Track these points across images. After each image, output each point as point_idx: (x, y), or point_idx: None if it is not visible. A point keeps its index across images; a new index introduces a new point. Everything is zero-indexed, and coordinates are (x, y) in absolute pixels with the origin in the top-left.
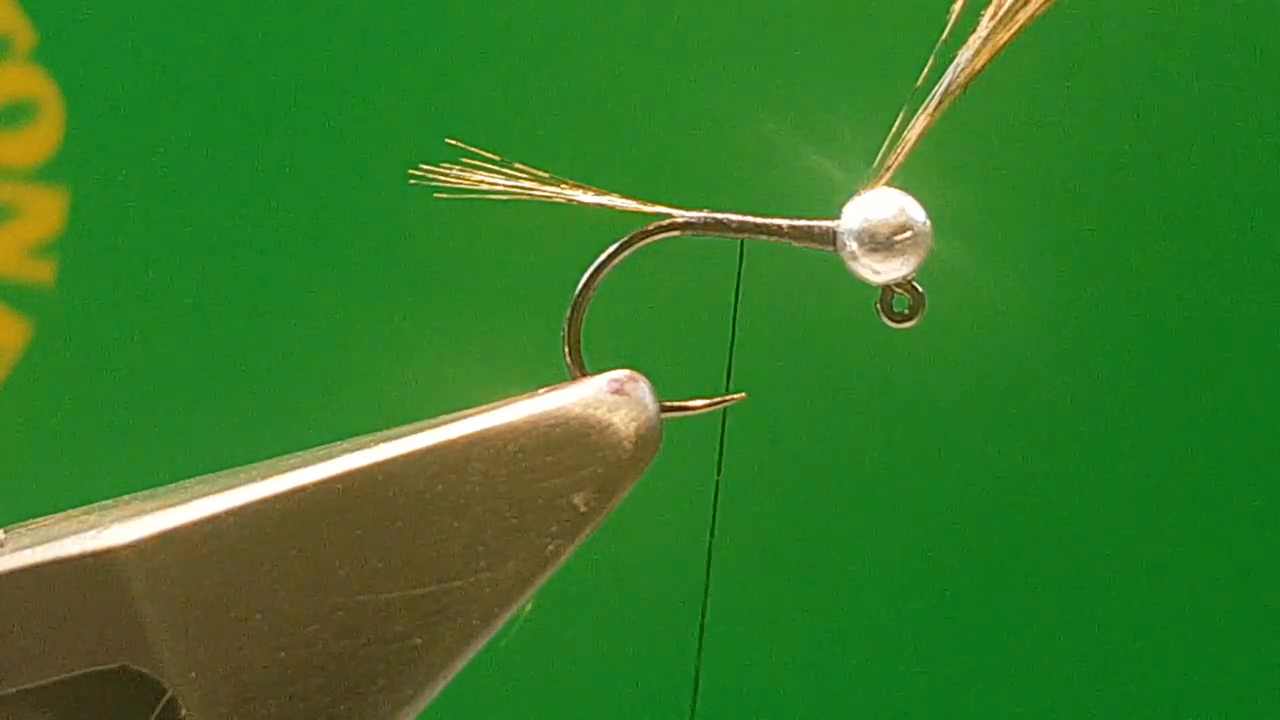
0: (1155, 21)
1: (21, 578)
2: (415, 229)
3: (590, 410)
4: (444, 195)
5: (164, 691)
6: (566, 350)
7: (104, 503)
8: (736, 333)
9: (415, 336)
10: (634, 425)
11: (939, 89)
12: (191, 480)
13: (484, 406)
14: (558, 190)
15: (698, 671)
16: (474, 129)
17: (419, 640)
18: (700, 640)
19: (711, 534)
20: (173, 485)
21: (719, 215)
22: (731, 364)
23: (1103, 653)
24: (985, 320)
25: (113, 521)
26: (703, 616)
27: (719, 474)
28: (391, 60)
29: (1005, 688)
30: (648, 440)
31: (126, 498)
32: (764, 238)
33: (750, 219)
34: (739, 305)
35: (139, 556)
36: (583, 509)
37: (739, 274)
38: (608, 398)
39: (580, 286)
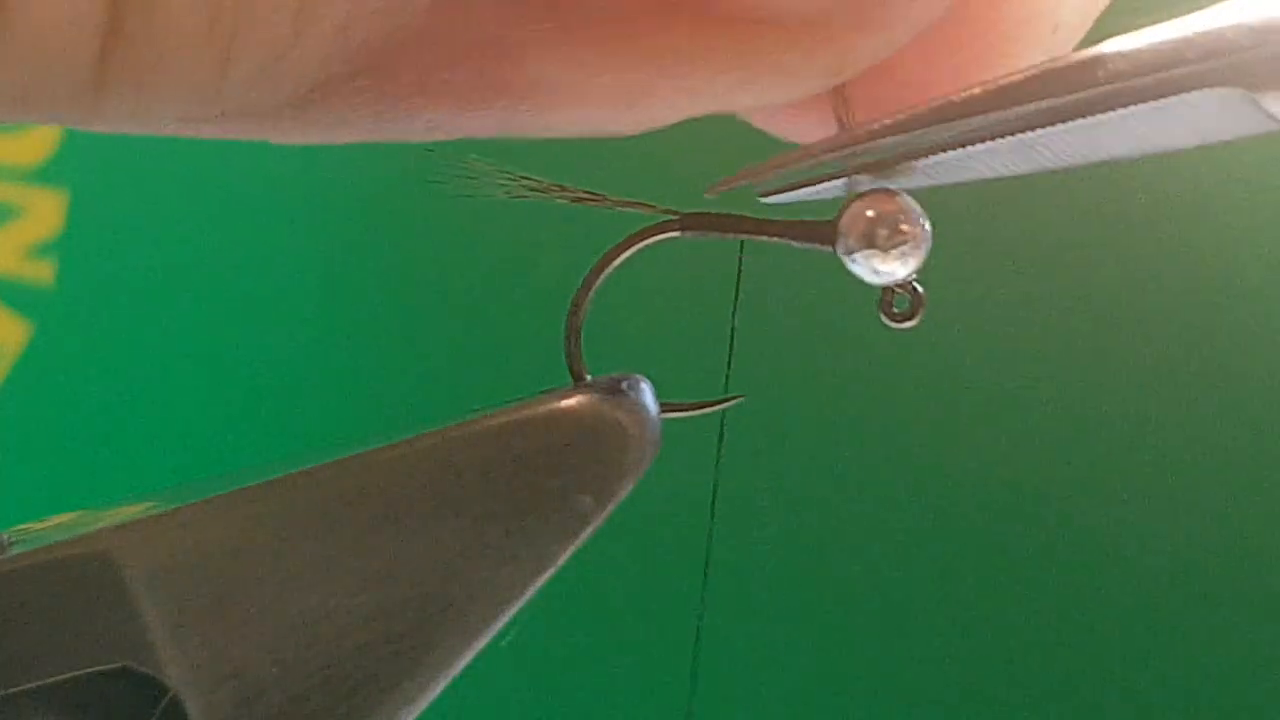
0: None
1: (21, 578)
2: (415, 229)
3: (590, 411)
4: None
5: (166, 691)
6: (567, 351)
7: (104, 504)
8: (738, 333)
9: (415, 337)
10: (634, 426)
11: None
12: (192, 481)
13: (484, 407)
14: (558, 191)
15: (694, 672)
16: None
17: (419, 640)
18: (697, 644)
19: (709, 538)
20: (173, 485)
21: (719, 215)
22: (731, 365)
23: (1109, 659)
24: (987, 319)
25: (112, 521)
26: (700, 617)
27: (716, 475)
28: None
29: (1010, 690)
30: (648, 441)
31: (126, 498)
32: (764, 238)
33: (750, 219)
34: (739, 305)
35: (139, 556)
36: (582, 509)
37: (738, 275)
38: (608, 399)
39: (580, 288)
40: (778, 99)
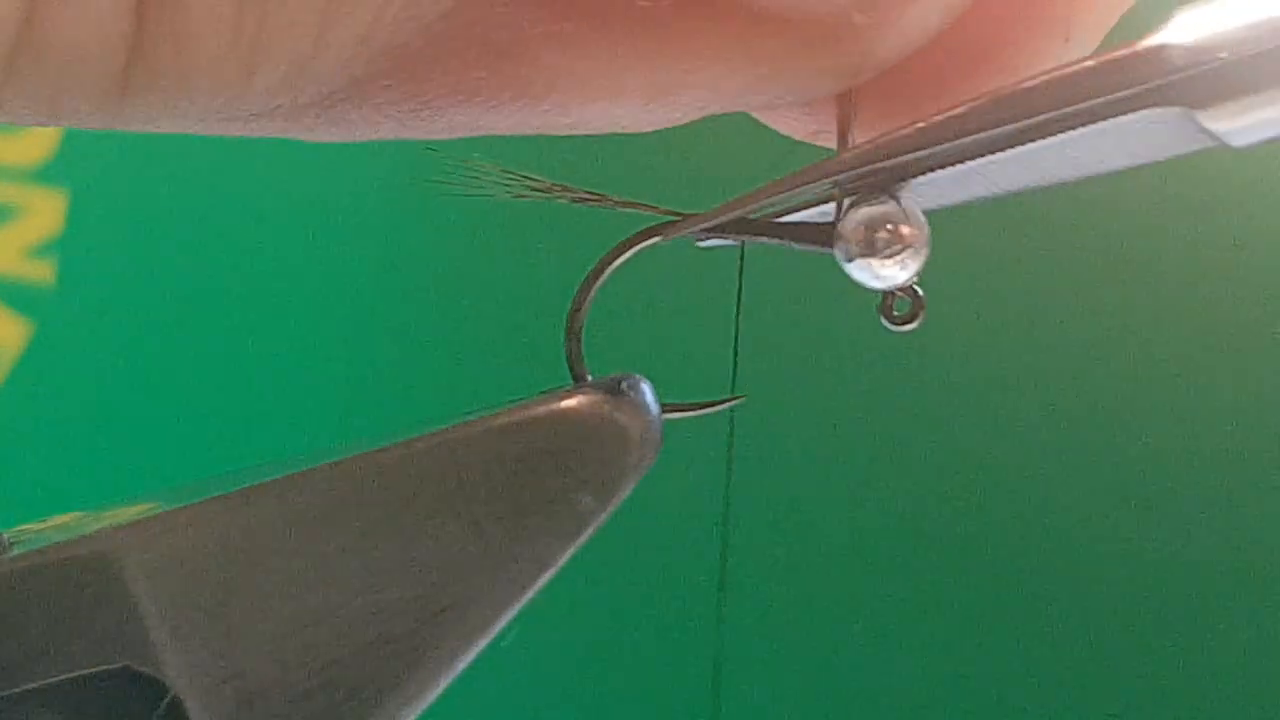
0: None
1: (22, 578)
2: (417, 229)
3: (591, 412)
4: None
5: (166, 691)
6: (567, 352)
7: (104, 504)
8: (739, 335)
9: (415, 337)
10: (635, 427)
11: None
12: (192, 480)
13: (484, 407)
14: (560, 191)
15: (717, 674)
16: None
17: (420, 641)
18: (719, 641)
19: (724, 540)
20: (173, 485)
21: (720, 216)
22: (736, 366)
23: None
24: (989, 321)
25: (112, 522)
26: (719, 617)
27: (729, 476)
28: None
29: (1013, 691)
30: (649, 441)
31: (126, 498)
32: (764, 239)
33: (751, 221)
34: (741, 307)
35: (139, 556)
36: (583, 510)
37: (740, 275)
38: (608, 399)
39: (581, 288)
40: (797, 98)
